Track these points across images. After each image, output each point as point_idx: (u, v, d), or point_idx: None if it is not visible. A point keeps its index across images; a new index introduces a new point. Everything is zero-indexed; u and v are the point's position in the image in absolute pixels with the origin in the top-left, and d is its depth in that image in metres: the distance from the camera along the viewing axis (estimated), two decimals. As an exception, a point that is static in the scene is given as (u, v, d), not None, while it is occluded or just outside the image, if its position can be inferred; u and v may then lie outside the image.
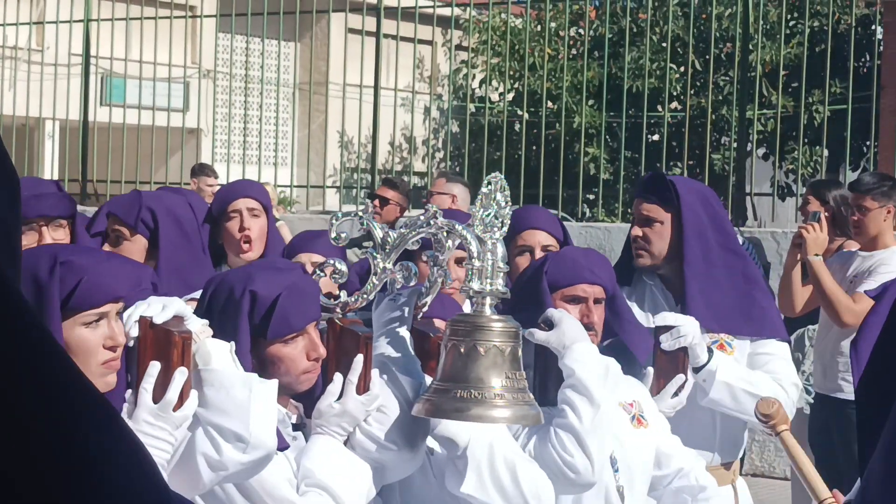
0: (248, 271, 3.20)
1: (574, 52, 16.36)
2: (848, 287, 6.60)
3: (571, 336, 3.52)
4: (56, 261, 2.89)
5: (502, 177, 2.98)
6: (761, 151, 15.99)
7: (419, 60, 14.99)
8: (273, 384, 2.89)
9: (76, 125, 14.48)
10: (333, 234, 3.19)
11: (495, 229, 2.89)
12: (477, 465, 3.30)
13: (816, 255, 6.53)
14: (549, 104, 15.08)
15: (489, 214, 2.90)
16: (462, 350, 2.87)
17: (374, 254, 3.15)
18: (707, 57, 12.51)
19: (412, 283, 3.10)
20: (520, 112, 14.08)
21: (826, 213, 7.21)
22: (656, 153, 12.39)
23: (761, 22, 12.01)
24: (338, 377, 3.08)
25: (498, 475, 3.34)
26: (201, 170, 10.90)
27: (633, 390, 3.88)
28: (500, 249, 2.90)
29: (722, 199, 8.82)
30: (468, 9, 13.05)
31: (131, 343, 2.91)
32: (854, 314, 6.49)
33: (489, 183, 2.94)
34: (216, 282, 3.19)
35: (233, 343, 2.94)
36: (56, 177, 18.52)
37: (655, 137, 14.42)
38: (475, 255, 2.89)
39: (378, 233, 3.13)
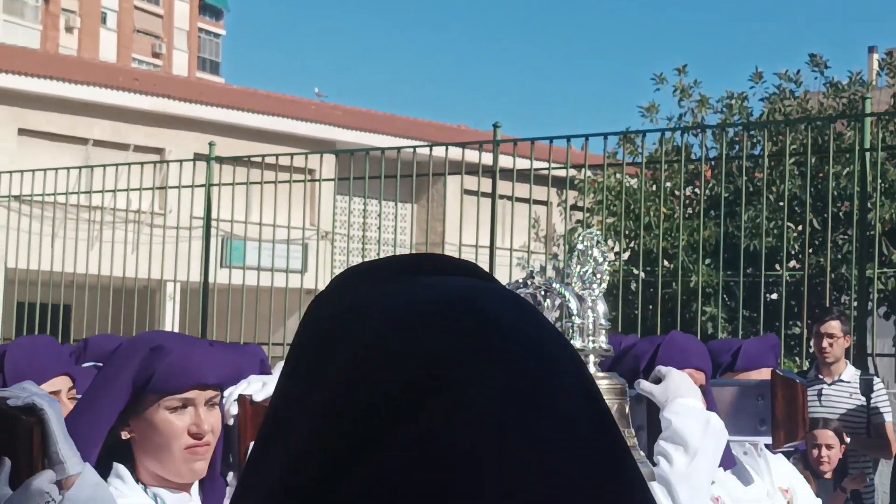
0: None
1: (690, 211, 16.34)
2: None
3: (675, 390, 3.47)
4: (149, 345, 2.95)
5: (597, 232, 2.91)
6: (882, 310, 15.75)
7: (535, 220, 15.07)
8: None
9: (196, 287, 14.71)
10: None
11: (594, 286, 2.80)
12: None
13: None
14: (665, 263, 15.03)
15: (587, 271, 2.82)
16: None
17: None
18: (825, 215, 12.42)
19: None
20: (636, 271, 14.04)
21: None
22: (775, 312, 12.26)
23: (879, 180, 11.93)
24: None
25: None
26: None
27: (718, 486, 3.82)
28: (601, 306, 2.80)
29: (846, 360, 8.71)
30: (583, 170, 13.10)
31: (231, 422, 2.89)
32: None
33: (584, 239, 2.85)
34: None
35: None
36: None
37: (774, 296, 14.28)
38: (575, 312, 2.79)
39: None
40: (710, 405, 3.66)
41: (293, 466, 0.96)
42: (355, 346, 0.98)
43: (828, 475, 7.80)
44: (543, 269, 13.92)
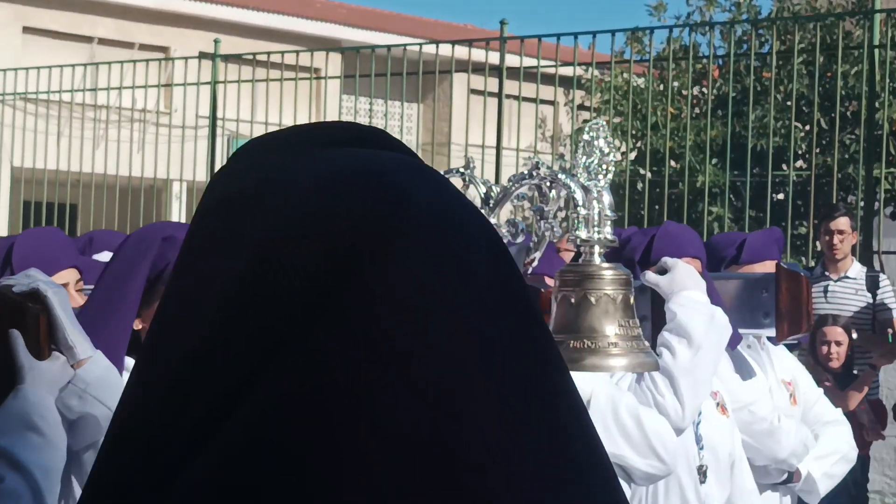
0: None
1: (697, 110, 16.27)
2: None
3: (681, 282, 3.50)
4: (160, 235, 2.96)
5: (603, 123, 2.89)
6: (889, 210, 15.75)
7: (541, 120, 15.00)
8: None
9: (202, 186, 14.66)
10: None
11: (600, 177, 2.80)
12: (602, 416, 3.37)
13: None
14: (672, 163, 15.00)
15: (592, 161, 2.81)
16: (573, 300, 2.74)
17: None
18: (832, 115, 12.36)
19: (520, 240, 2.95)
20: (642, 171, 14.01)
21: None
22: (781, 212, 12.25)
23: (888, 80, 11.86)
24: None
25: (623, 424, 3.38)
26: None
27: (718, 381, 3.88)
28: (607, 197, 2.78)
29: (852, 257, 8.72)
30: (590, 69, 13.03)
31: None
32: None
33: (590, 129, 2.84)
34: None
35: None
36: (183, 237, 18.77)
37: (780, 196, 14.25)
38: (581, 203, 2.77)
39: (481, 188, 2.99)
40: (712, 297, 3.68)
41: (204, 349, 0.94)
42: (270, 221, 0.95)
43: (837, 371, 7.85)
44: (549, 168, 13.87)
